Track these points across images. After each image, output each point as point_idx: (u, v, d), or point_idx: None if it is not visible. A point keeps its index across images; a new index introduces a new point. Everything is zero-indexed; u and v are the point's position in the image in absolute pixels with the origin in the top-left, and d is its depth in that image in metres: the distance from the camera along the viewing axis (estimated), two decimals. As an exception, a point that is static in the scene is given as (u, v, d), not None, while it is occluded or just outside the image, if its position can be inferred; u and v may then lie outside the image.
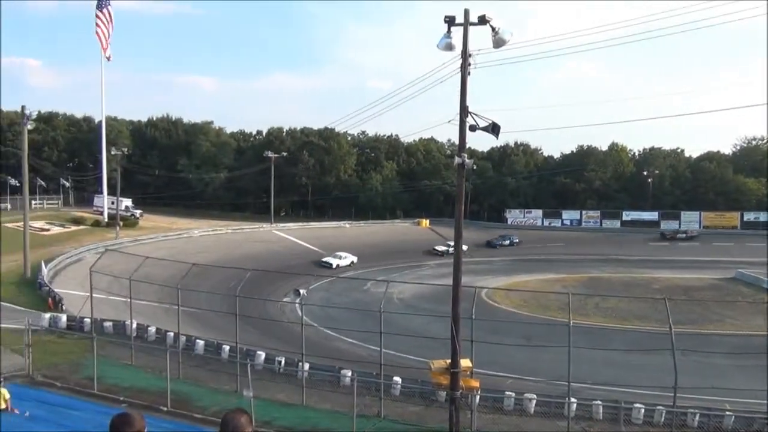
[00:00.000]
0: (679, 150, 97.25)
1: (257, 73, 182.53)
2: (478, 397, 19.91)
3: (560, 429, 20.08)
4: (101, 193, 73.28)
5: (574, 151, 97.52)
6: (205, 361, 26.29)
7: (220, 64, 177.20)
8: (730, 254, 68.65)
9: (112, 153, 70.13)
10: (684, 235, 78.35)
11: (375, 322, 23.28)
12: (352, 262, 60.98)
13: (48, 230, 61.73)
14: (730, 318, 44.18)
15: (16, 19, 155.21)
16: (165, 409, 19.54)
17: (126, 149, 78.61)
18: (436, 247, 69.82)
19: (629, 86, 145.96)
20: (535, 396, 22.68)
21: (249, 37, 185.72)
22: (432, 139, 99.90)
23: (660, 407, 21.10)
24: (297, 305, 40.70)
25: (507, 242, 75.51)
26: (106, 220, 68.51)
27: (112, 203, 68.23)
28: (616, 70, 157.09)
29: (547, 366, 27.39)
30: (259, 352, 26.63)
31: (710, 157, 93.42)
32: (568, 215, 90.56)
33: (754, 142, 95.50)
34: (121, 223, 64.84)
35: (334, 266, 59.37)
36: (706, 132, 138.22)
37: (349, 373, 23.74)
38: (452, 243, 65.64)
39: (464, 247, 65.61)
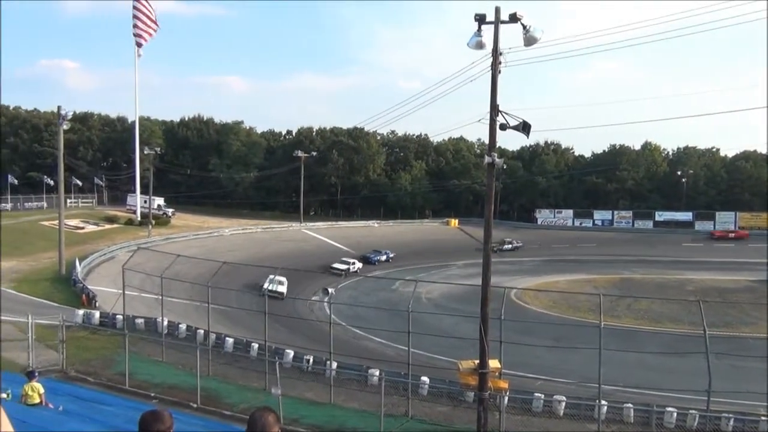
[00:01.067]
0: (714, 149, 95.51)
1: (287, 73, 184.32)
2: (506, 398, 19.74)
3: (590, 432, 19.84)
4: (134, 192, 74.42)
5: (606, 150, 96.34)
6: (235, 359, 26.54)
7: (250, 65, 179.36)
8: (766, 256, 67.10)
9: (145, 152, 71.17)
10: (510, 246, 71.90)
11: (403, 321, 23.26)
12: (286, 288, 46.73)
13: (82, 228, 62.87)
14: (766, 321, 43.18)
15: (53, 22, 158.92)
16: (195, 405, 19.76)
17: (159, 149, 79.74)
18: (335, 265, 57.96)
19: (663, 84, 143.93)
20: (564, 398, 22.42)
21: (278, 39, 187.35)
22: (461, 139, 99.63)
23: (693, 411, 20.70)
24: (325, 304, 40.89)
25: (384, 257, 63.73)
26: (138, 218, 69.56)
27: (145, 202, 69.32)
28: (650, 68, 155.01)
29: (577, 368, 27.11)
30: (287, 351, 26.79)
31: (746, 157, 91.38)
32: (600, 215, 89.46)
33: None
34: (154, 222, 65.73)
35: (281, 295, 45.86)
36: (742, 130, 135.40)
37: (377, 373, 23.75)
38: (351, 260, 59.32)
39: (359, 265, 57.14)
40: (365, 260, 62.09)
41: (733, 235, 79.81)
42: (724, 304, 46.69)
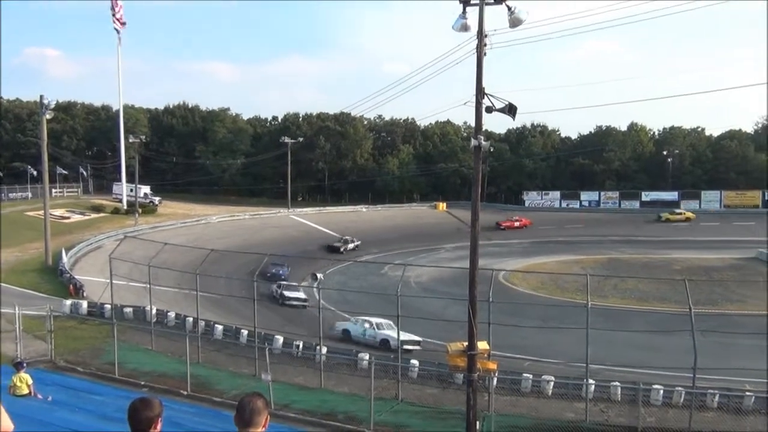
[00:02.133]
0: (699, 129, 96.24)
1: (272, 59, 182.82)
2: (495, 380, 19.91)
3: (578, 410, 20.05)
4: (120, 180, 73.88)
5: (593, 131, 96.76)
6: (224, 346, 26.59)
7: (235, 50, 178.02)
8: (752, 233, 67.80)
9: (130, 141, 70.65)
10: (353, 245, 63.00)
11: (392, 305, 23.34)
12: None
13: (68, 218, 62.43)
14: (751, 298, 43.61)
15: (33, 9, 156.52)
16: (185, 393, 19.78)
17: (144, 137, 79.20)
18: (285, 292, 40.78)
19: (648, 65, 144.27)
20: (553, 378, 22.64)
21: (263, 23, 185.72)
22: (448, 122, 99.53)
23: (679, 388, 20.96)
24: (314, 289, 40.84)
25: (281, 273, 47.07)
26: (125, 207, 69.19)
27: (131, 191, 68.84)
28: (635, 49, 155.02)
29: (565, 348, 27.35)
30: (277, 337, 26.84)
31: (731, 136, 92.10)
32: (587, 196, 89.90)
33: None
34: (140, 210, 65.40)
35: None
36: (727, 110, 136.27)
37: (367, 357, 23.87)
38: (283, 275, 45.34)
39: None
40: (265, 277, 41.65)
41: (518, 224, 76.94)
42: (709, 283, 47.20)
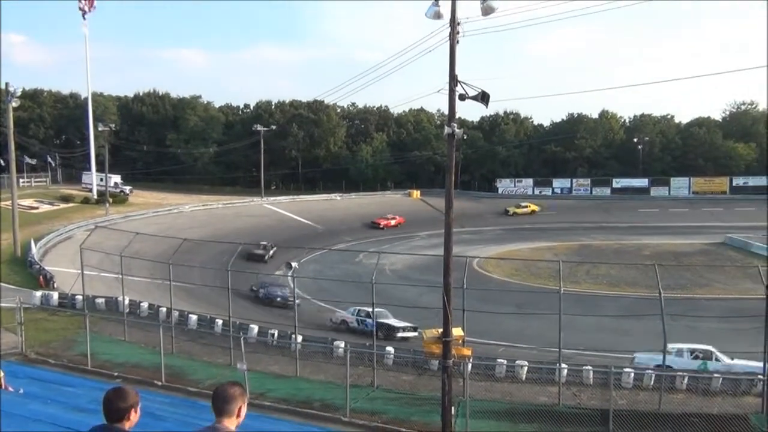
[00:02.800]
0: (669, 116, 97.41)
1: (244, 46, 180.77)
2: (470, 365, 20.10)
3: (551, 394, 20.36)
4: (89, 169, 72.59)
5: (564, 119, 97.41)
6: (199, 336, 26.45)
7: (206, 37, 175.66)
8: (720, 219, 69.16)
9: (100, 129, 69.37)
10: (271, 252, 52.82)
11: (368, 293, 23.39)
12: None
13: (37, 208, 61.27)
14: (719, 282, 44.62)
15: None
16: (159, 383, 19.68)
17: (113, 125, 77.64)
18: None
19: (619, 52, 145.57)
20: (526, 363, 22.95)
21: (235, 9, 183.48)
22: (422, 110, 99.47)
23: (649, 371, 21.40)
24: (289, 278, 40.74)
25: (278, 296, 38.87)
26: (95, 197, 68.09)
27: (101, 180, 67.74)
28: (606, 36, 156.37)
29: (538, 333, 27.70)
30: (252, 326, 26.79)
31: (700, 123, 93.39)
32: (559, 183, 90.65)
33: (743, 107, 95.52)
34: (111, 200, 64.44)
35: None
36: (696, 97, 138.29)
37: (342, 344, 23.93)
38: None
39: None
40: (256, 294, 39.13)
41: (394, 221, 71.42)
42: (679, 267, 47.99)
